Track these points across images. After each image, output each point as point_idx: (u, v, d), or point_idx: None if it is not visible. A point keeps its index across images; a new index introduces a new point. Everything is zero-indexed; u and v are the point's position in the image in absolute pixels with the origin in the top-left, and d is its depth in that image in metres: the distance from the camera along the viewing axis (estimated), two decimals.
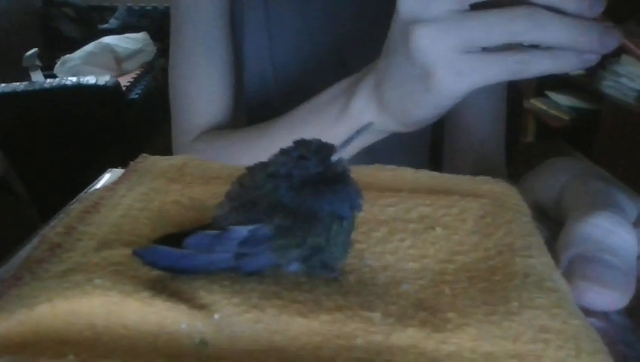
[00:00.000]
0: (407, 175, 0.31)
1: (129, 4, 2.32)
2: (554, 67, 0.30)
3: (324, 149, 0.20)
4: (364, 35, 0.56)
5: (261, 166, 0.21)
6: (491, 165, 0.56)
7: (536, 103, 2.06)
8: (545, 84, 2.06)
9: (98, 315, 0.17)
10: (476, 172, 0.54)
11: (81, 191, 0.36)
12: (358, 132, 0.20)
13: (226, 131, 0.54)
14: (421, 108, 0.35)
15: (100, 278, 0.18)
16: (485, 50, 0.31)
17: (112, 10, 2.32)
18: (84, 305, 0.17)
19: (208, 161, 0.30)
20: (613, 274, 0.23)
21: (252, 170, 0.21)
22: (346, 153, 0.41)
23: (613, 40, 0.29)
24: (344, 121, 0.40)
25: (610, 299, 0.23)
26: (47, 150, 1.63)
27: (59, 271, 0.20)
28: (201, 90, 0.55)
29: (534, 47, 0.30)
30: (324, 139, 0.40)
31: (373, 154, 0.40)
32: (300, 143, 0.20)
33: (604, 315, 0.23)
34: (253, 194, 0.20)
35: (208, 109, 0.55)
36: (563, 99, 2.00)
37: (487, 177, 0.31)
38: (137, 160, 0.30)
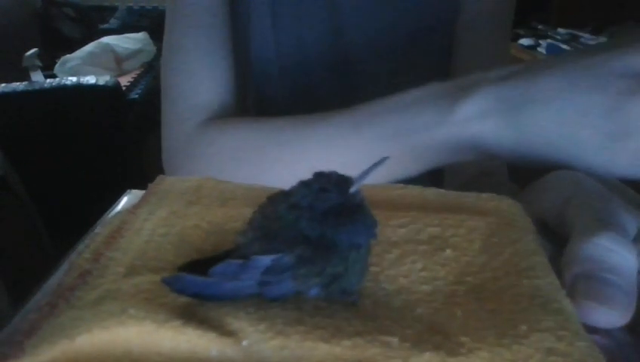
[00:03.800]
0: (415, 193, 0.31)
1: (129, 4, 2.31)
2: None
3: (343, 182, 0.21)
4: (365, 24, 0.55)
5: (282, 196, 0.22)
6: (491, 166, 0.57)
7: None
8: None
9: (134, 344, 0.19)
10: (477, 174, 0.55)
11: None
12: (374, 165, 0.21)
13: (253, 118, 0.47)
14: (574, 155, 0.31)
15: (134, 307, 0.19)
16: None
17: (112, 10, 2.32)
18: (121, 334, 0.19)
19: (223, 181, 0.31)
20: (615, 293, 0.24)
21: (273, 200, 0.22)
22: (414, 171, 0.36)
23: None
24: (444, 125, 0.35)
25: (611, 317, 0.24)
26: (47, 150, 1.64)
27: (91, 299, 0.21)
28: (200, 67, 0.48)
29: None
30: (411, 146, 0.35)
31: None
32: (320, 176, 0.21)
33: (606, 332, 0.24)
34: (275, 225, 0.21)
35: (210, 87, 0.47)
36: None
37: (492, 194, 0.31)
38: (155, 182, 0.31)
